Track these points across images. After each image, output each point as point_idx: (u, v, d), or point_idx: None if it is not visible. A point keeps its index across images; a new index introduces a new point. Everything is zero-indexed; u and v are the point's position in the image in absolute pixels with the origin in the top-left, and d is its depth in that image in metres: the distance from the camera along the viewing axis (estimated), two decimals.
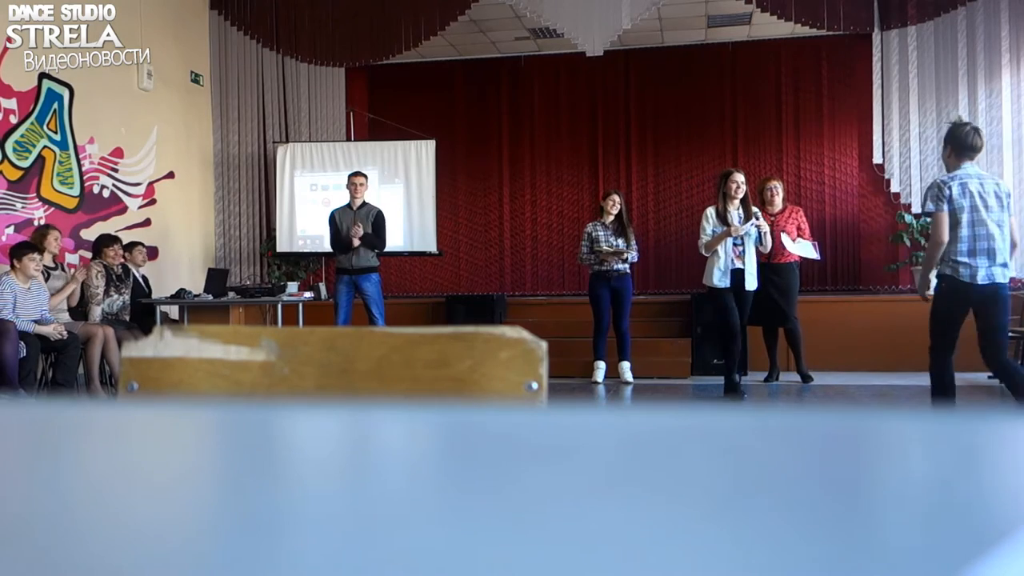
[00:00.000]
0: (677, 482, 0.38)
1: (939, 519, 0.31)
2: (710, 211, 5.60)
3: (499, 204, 9.69)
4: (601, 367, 6.47)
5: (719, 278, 5.50)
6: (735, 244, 5.52)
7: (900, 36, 8.00)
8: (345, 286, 6.47)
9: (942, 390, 4.00)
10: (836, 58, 8.91)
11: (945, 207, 3.89)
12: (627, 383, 6.40)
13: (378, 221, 6.54)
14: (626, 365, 6.44)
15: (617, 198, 6.50)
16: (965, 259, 3.88)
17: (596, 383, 6.43)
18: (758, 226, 5.47)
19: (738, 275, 5.51)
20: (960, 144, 3.97)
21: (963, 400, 5.75)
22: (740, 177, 5.58)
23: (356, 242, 6.38)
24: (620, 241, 6.40)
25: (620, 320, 6.39)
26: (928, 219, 4.28)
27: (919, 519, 0.31)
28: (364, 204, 6.57)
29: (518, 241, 9.65)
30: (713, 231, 5.53)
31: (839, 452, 0.45)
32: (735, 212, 5.53)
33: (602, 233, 6.44)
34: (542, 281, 9.58)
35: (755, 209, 5.58)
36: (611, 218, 6.45)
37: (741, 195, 5.54)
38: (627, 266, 6.47)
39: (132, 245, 6.94)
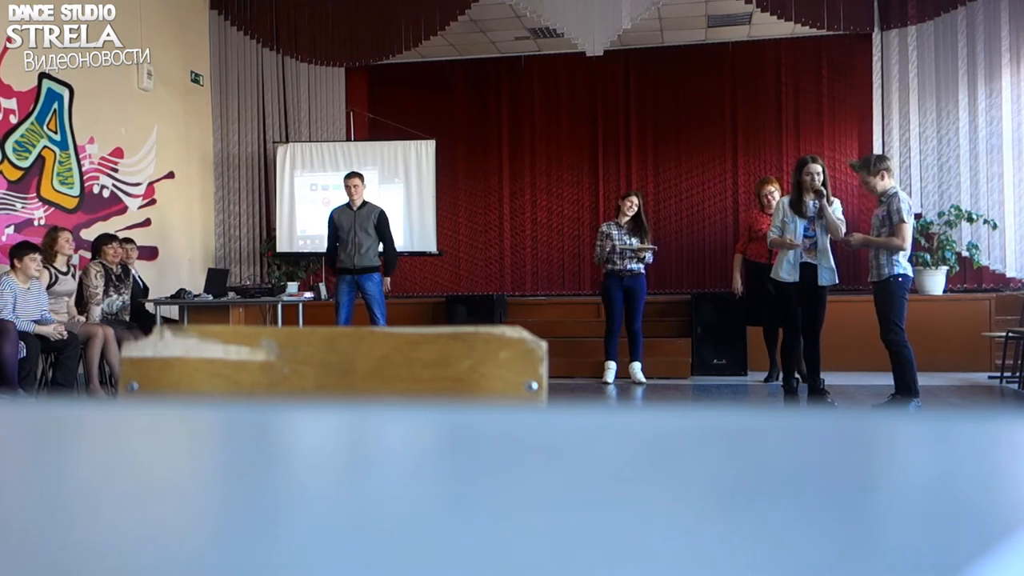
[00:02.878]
0: (677, 482, 0.38)
1: (939, 519, 0.31)
2: (784, 202, 5.21)
3: (499, 204, 9.69)
4: (612, 367, 6.45)
5: (787, 272, 5.10)
6: (806, 236, 5.10)
7: (900, 36, 8.00)
8: (347, 285, 6.38)
9: (909, 357, 4.78)
10: (836, 58, 8.90)
11: (909, 219, 4.86)
12: (639, 383, 6.37)
13: (381, 222, 6.44)
14: (637, 366, 6.41)
15: (635, 199, 6.51)
16: (909, 260, 4.93)
17: (606, 383, 6.41)
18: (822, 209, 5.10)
19: (809, 270, 5.09)
20: (890, 168, 5.00)
21: (963, 400, 5.74)
22: (816, 167, 5.15)
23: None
24: (635, 240, 6.41)
25: (632, 320, 6.35)
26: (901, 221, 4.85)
27: (920, 519, 0.31)
28: (365, 204, 6.48)
29: (518, 241, 9.65)
30: (784, 220, 5.14)
31: (839, 452, 0.45)
32: (810, 203, 5.11)
33: (615, 232, 6.44)
34: (542, 281, 9.58)
35: (832, 199, 5.20)
36: (627, 218, 6.46)
37: (816, 186, 5.12)
38: (641, 266, 6.45)
39: (126, 242, 6.88)
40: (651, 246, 6.51)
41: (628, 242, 6.40)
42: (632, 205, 6.47)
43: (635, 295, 6.37)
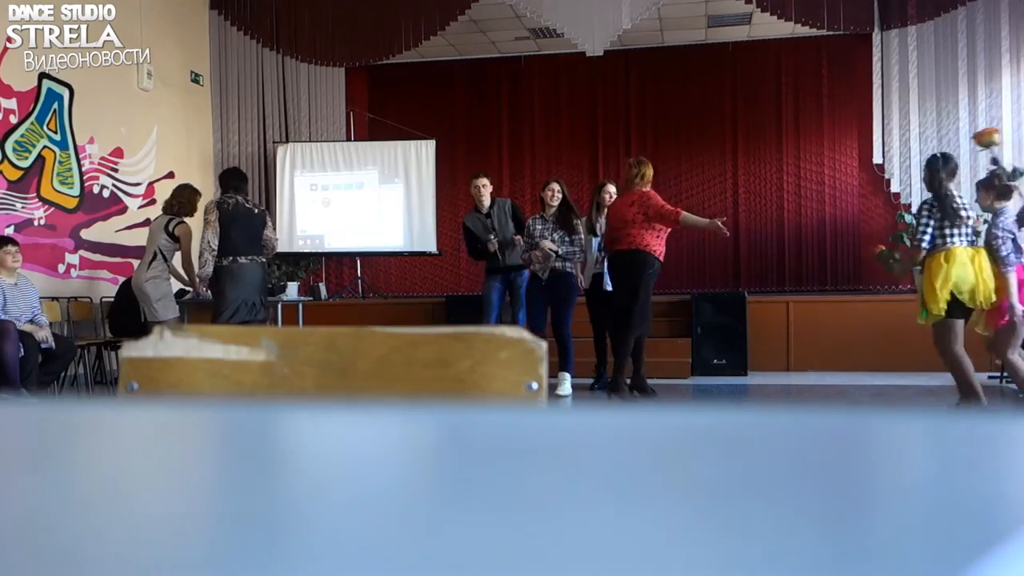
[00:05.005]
0: (677, 482, 0.38)
1: (939, 519, 0.31)
2: (583, 221, 5.85)
3: None
4: (565, 378, 5.71)
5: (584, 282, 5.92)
6: (599, 250, 5.78)
7: (900, 36, 8.01)
8: (499, 283, 6.00)
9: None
10: (836, 58, 8.91)
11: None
12: (562, 396, 5.57)
13: (515, 211, 6.10)
14: (566, 376, 5.67)
15: (556, 187, 5.78)
16: None
17: (562, 396, 5.63)
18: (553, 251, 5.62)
19: (599, 278, 5.80)
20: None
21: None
22: (613, 188, 5.82)
23: (492, 247, 5.93)
24: (559, 235, 5.67)
25: (559, 325, 5.62)
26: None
27: (919, 519, 0.31)
28: (494, 201, 6.06)
29: None
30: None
31: (839, 452, 0.45)
32: (603, 221, 5.69)
33: (539, 227, 5.71)
34: None
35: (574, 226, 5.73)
36: (552, 210, 5.75)
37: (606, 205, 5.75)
38: (568, 264, 5.70)
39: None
40: (577, 244, 5.71)
41: (551, 238, 5.66)
42: (554, 194, 5.75)
43: (560, 297, 5.64)
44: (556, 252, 5.62)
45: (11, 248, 5.43)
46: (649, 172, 5.43)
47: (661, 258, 5.37)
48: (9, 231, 6.25)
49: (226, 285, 5.43)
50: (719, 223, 5.16)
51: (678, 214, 5.26)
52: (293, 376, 0.86)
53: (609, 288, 5.58)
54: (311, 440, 0.53)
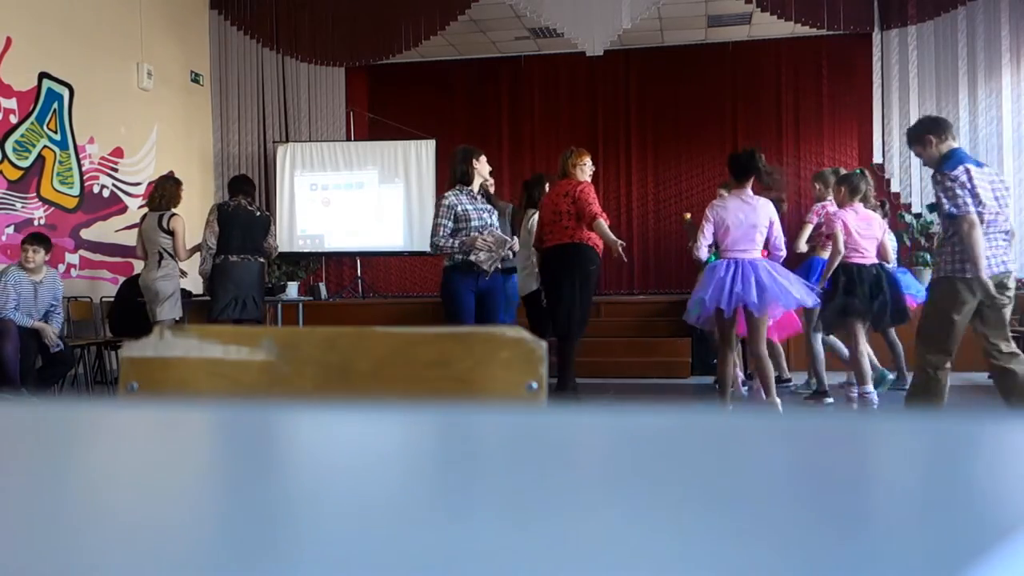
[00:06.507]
0: (676, 482, 0.38)
1: (939, 519, 0.31)
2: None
3: None
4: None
5: None
6: None
7: (900, 36, 8.01)
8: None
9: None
10: (836, 58, 8.91)
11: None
12: None
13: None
14: None
15: (484, 158, 4.73)
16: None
17: None
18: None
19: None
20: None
21: (963, 400, 5.74)
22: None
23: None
24: (495, 221, 4.67)
25: None
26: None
27: (919, 519, 0.31)
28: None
29: None
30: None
31: (838, 452, 0.45)
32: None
33: (471, 206, 4.54)
34: None
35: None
36: (480, 183, 4.65)
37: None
38: (509, 262, 4.80)
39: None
40: (509, 240, 4.65)
41: (491, 224, 4.57)
42: (484, 164, 4.68)
43: (493, 297, 4.57)
44: (508, 249, 4.60)
45: (28, 246, 5.43)
46: (582, 161, 5.03)
47: (600, 254, 5.01)
48: (9, 231, 6.25)
49: (217, 283, 5.58)
50: (620, 247, 4.88)
51: (596, 217, 4.89)
52: (293, 376, 0.86)
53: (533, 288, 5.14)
54: (311, 440, 0.53)
